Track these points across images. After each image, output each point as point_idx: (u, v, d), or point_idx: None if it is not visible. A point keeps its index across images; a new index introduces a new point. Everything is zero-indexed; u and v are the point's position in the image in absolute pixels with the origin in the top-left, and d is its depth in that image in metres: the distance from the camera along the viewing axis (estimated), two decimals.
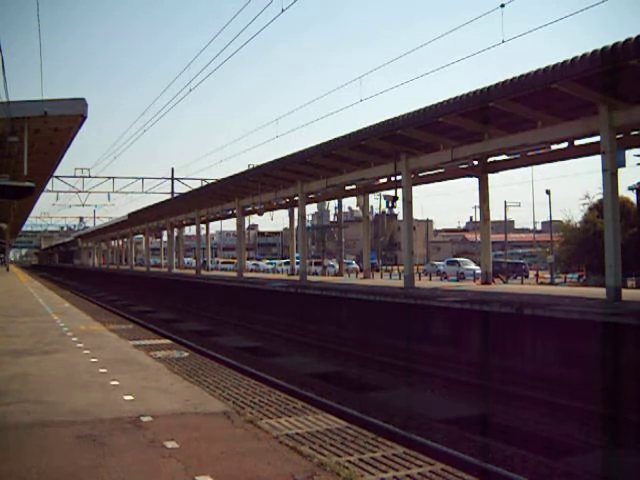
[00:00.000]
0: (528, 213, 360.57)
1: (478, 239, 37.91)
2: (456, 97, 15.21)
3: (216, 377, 7.59)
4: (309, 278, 28.66)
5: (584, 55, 11.82)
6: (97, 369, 7.53)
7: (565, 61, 12.20)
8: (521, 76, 13.22)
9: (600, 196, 25.70)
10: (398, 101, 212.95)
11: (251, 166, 31.19)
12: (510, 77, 13.51)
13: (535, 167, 47.90)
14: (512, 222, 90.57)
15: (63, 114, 14.24)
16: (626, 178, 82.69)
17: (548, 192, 45.45)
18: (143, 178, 46.88)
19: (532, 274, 43.36)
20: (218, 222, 54.70)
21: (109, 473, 3.97)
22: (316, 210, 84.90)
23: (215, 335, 19.22)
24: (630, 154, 27.83)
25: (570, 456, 7.50)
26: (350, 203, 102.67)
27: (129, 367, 7.75)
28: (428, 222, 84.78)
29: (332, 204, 65.63)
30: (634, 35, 10.94)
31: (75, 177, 43.00)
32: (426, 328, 15.55)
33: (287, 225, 43.11)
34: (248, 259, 61.59)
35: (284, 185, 28.79)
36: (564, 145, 17.47)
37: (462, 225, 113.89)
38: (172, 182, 49.74)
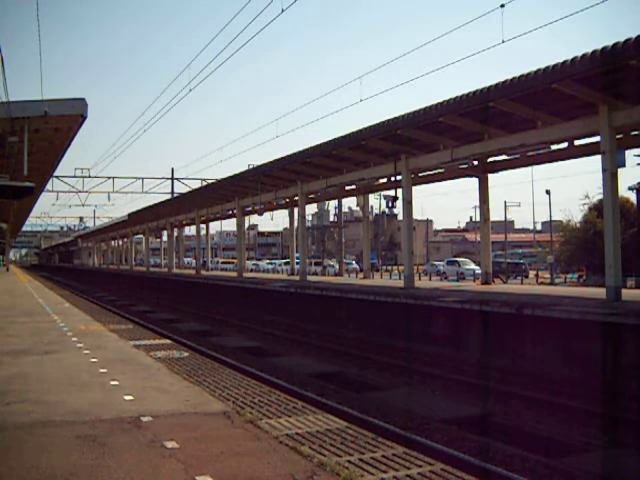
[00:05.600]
0: (528, 213, 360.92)
1: (478, 239, 37.91)
2: (456, 97, 15.20)
3: (216, 377, 7.59)
4: (309, 278, 28.65)
5: (584, 55, 11.82)
6: (97, 369, 7.53)
7: (565, 61, 12.20)
8: (521, 76, 13.21)
9: (600, 196, 25.74)
10: (398, 101, 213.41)
11: (251, 166, 31.15)
12: (510, 77, 13.51)
13: (535, 167, 47.92)
14: (512, 222, 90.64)
15: (63, 114, 14.22)
16: (626, 178, 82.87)
17: (548, 192, 45.55)
18: (143, 178, 46.90)
19: (532, 274, 43.36)
20: (218, 222, 54.69)
21: (109, 473, 3.97)
22: (316, 210, 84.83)
23: (215, 335, 19.22)
24: (630, 154, 27.94)
25: (570, 456, 7.50)
26: (350, 203, 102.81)
27: (129, 367, 7.74)
28: (428, 222, 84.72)
29: (332, 204, 65.62)
30: (634, 35, 10.94)
31: (75, 177, 43.01)
32: (426, 328, 15.55)
33: (287, 225, 43.12)
34: (248, 259, 61.58)
35: (284, 185, 28.79)
36: (564, 145, 17.46)
37: (462, 225, 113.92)
38: (172, 182, 49.75)
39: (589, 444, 8.03)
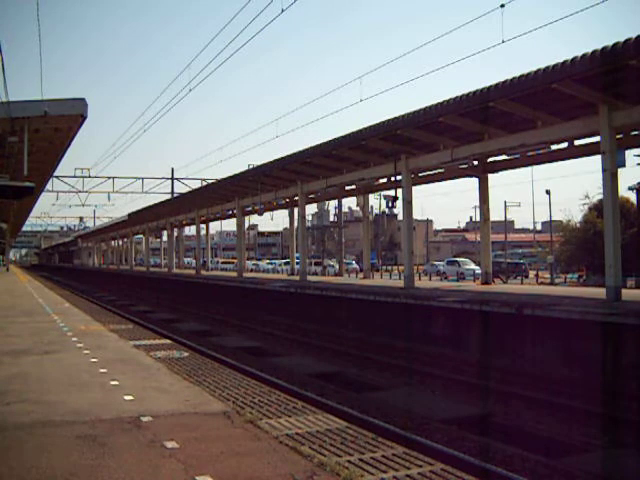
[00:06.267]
0: (528, 213, 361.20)
1: (478, 239, 37.92)
2: (456, 97, 15.20)
3: (216, 377, 7.59)
4: (309, 278, 28.66)
5: (584, 55, 11.82)
6: (97, 369, 7.53)
7: (565, 61, 12.20)
8: (521, 76, 13.21)
9: (600, 196, 25.75)
10: (398, 101, 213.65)
11: (251, 166, 31.17)
12: (510, 77, 13.51)
13: (535, 167, 47.96)
14: (512, 222, 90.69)
15: (63, 114, 14.22)
16: (626, 178, 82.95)
17: (548, 192, 45.59)
18: (143, 178, 46.89)
19: (532, 274, 43.36)
20: (218, 222, 54.71)
21: (109, 473, 3.97)
22: (316, 210, 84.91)
23: (215, 335, 19.22)
24: (630, 154, 27.95)
25: (570, 456, 7.50)
26: (350, 203, 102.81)
27: (129, 367, 7.74)
28: (428, 222, 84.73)
29: (332, 204, 65.65)
30: (634, 35, 10.94)
31: (75, 177, 43.01)
32: (426, 328, 15.55)
33: (287, 225, 43.12)
34: (248, 259, 61.57)
35: (284, 185, 28.79)
36: (564, 145, 17.46)
37: (462, 225, 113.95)
38: (172, 182, 49.75)
39: (589, 444, 8.02)
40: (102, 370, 7.43)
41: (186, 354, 9.46)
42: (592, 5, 12.77)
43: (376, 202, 78.46)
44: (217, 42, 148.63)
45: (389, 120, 17.93)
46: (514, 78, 13.39)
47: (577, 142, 17.01)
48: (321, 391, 10.34)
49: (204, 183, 43.36)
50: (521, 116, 15.61)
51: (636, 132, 15.85)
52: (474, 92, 14.57)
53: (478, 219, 30.02)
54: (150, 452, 4.39)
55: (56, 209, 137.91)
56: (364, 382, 12.04)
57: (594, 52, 11.62)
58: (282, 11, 14.54)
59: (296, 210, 31.19)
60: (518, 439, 8.05)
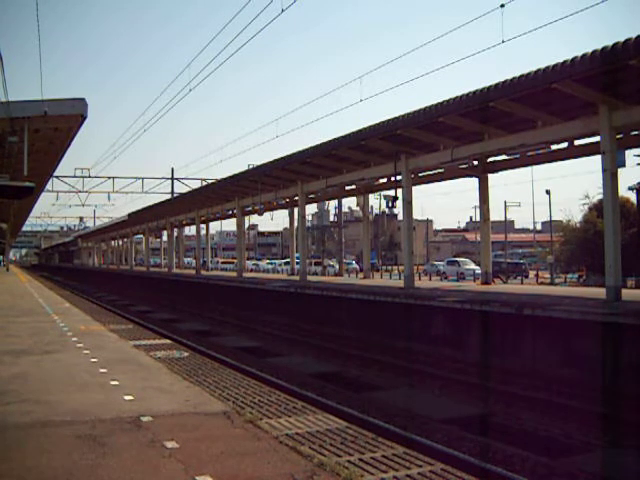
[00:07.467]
0: (528, 213, 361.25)
1: (478, 239, 37.91)
2: (456, 97, 15.20)
3: (216, 377, 7.59)
4: (309, 278, 28.64)
5: (584, 55, 11.81)
6: (97, 369, 7.53)
7: (565, 61, 12.19)
8: (521, 76, 13.21)
9: (600, 196, 25.76)
10: (398, 101, 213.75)
11: (251, 166, 31.16)
12: (510, 77, 13.50)
13: (535, 167, 47.97)
14: (512, 222, 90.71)
15: (63, 114, 14.21)
16: (626, 178, 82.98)
17: (548, 192, 45.64)
18: (143, 178, 46.92)
19: (532, 274, 43.37)
20: (218, 222, 54.69)
21: (109, 473, 3.97)
22: (316, 210, 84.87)
23: (215, 335, 19.23)
24: (630, 154, 27.98)
25: (570, 456, 7.50)
26: (350, 203, 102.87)
27: (129, 367, 7.75)
28: (428, 222, 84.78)
29: (332, 204, 65.60)
30: (634, 35, 10.94)
31: (75, 177, 43.05)
32: (426, 328, 15.55)
33: (287, 225, 43.13)
34: (248, 259, 61.56)
35: (284, 185, 28.77)
36: (564, 145, 17.45)
37: (462, 225, 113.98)
38: (172, 182, 49.72)
39: (589, 444, 8.03)
40: (102, 370, 7.43)
41: (186, 354, 9.47)
42: (592, 5, 12.77)
43: (376, 202, 78.49)
44: (217, 42, 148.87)
45: (389, 120, 17.92)
46: (514, 78, 13.38)
47: (577, 142, 16.99)
48: (321, 391, 10.35)
49: (204, 183, 43.36)
50: (521, 116, 15.60)
51: (636, 132, 15.83)
52: (474, 92, 14.56)
53: (478, 219, 30.02)
54: (150, 452, 4.39)
55: (56, 209, 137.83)
56: (364, 382, 12.05)
57: (594, 52, 11.61)
58: (282, 11, 14.54)
59: (296, 210, 31.18)
60: (518, 439, 8.05)
